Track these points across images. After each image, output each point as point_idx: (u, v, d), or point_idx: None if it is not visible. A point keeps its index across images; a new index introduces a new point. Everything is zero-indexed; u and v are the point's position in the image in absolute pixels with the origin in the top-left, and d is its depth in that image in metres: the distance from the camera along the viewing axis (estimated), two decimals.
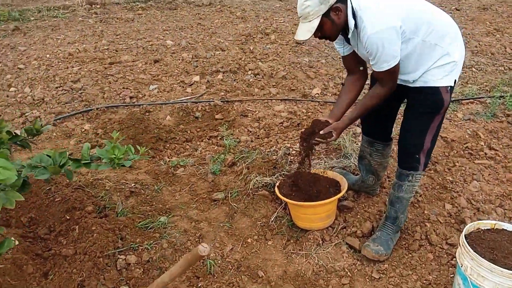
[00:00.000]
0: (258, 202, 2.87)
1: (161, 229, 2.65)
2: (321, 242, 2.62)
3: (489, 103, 4.52)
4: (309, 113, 4.29)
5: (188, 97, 4.70)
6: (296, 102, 4.58)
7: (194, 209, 2.90)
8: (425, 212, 2.88)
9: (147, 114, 4.31)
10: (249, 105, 4.50)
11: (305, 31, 2.07)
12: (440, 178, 3.25)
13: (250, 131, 3.95)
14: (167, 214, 2.84)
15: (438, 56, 2.20)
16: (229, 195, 2.96)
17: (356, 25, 2.09)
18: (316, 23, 2.04)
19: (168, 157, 3.55)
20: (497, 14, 8.27)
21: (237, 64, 5.49)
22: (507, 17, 8.11)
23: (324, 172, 2.85)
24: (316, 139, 2.43)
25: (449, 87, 2.22)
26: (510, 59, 6.10)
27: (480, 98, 4.67)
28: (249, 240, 2.64)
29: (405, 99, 2.45)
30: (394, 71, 2.13)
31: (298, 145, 3.02)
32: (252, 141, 3.76)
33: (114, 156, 1.80)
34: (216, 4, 9.20)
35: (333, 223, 2.74)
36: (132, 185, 3.10)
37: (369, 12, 2.03)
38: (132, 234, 2.58)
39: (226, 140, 3.70)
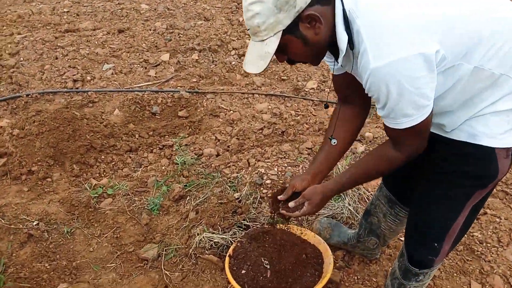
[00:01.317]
0: (202, 270, 1.98)
1: None
2: None
3: None
4: (299, 117, 3.32)
5: (148, 83, 3.72)
6: (285, 99, 3.60)
7: (111, 271, 2.01)
8: None
9: (90, 105, 3.35)
10: (224, 99, 3.52)
11: (256, 58, 1.15)
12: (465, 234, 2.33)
13: (219, 140, 3.00)
14: (70, 279, 1.96)
15: (502, 94, 1.20)
16: (164, 253, 2.06)
17: (351, 44, 1.13)
18: (272, 46, 1.12)
19: (98, 177, 2.63)
20: None
21: (219, 40, 4.45)
22: None
23: (302, 233, 1.94)
24: (280, 211, 1.51)
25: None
26: None
27: None
28: None
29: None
30: (421, 130, 1.18)
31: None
32: (217, 156, 2.82)
33: None
34: None
35: None
36: (34, 223, 2.20)
37: (373, 21, 1.09)
38: None
39: (181, 155, 2.76)
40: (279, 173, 2.59)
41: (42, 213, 2.28)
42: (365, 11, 1.09)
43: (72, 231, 2.20)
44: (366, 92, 1.17)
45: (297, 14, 1.09)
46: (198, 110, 3.35)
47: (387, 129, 1.23)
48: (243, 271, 1.75)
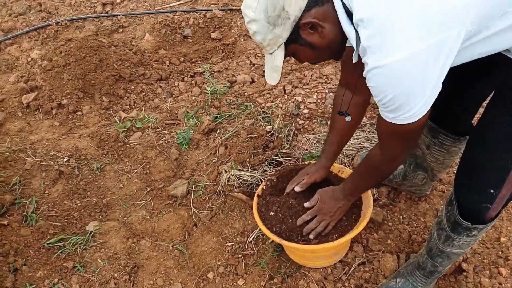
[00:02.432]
0: (232, 209, 1.87)
1: (80, 252, 1.78)
2: None
3: None
4: None
5: (180, 2, 3.43)
6: None
7: (141, 208, 1.97)
8: (501, 239, 1.74)
9: (120, 30, 3.17)
10: None
11: (270, 71, 1.13)
12: None
13: (253, 64, 2.74)
14: (100, 217, 1.94)
15: None
16: (193, 190, 1.97)
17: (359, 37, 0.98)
18: (279, 59, 1.09)
19: (128, 108, 2.52)
20: None
21: None
22: None
23: (340, 170, 1.73)
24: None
25: None
26: None
27: None
28: (210, 276, 1.71)
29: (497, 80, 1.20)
30: (411, 130, 1.05)
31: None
32: (251, 82, 2.59)
33: None
34: None
35: (346, 255, 1.72)
36: (65, 160, 2.17)
37: (373, 12, 0.92)
38: (33, 262, 1.73)
39: (212, 84, 2.56)
40: (319, 100, 2.33)
41: (72, 148, 2.24)
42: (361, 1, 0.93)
43: (102, 167, 2.16)
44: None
45: (294, 24, 1.02)
46: (232, 31, 3.06)
47: (378, 120, 1.11)
48: (272, 213, 1.60)
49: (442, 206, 1.40)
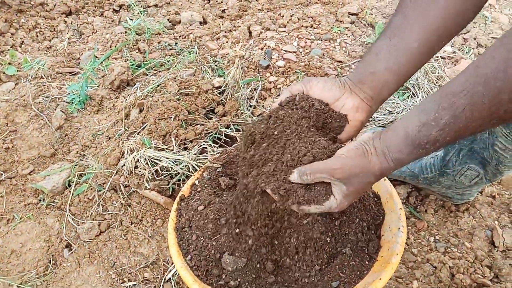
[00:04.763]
0: (139, 219, 1.03)
1: None
2: None
3: None
4: None
5: None
6: None
7: None
8: None
9: None
10: None
11: None
12: None
13: (208, 0, 1.90)
14: None
15: None
16: (75, 180, 1.12)
17: None
18: None
19: (8, 51, 1.63)
20: None
21: None
22: None
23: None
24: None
25: None
26: None
27: None
28: None
29: None
30: None
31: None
32: (202, 23, 1.75)
33: None
34: None
35: None
36: None
37: None
38: None
39: (138, 17, 1.69)
40: (301, 49, 1.51)
41: None
42: None
43: None
44: None
45: None
46: None
47: None
48: (197, 236, 0.79)
49: None
